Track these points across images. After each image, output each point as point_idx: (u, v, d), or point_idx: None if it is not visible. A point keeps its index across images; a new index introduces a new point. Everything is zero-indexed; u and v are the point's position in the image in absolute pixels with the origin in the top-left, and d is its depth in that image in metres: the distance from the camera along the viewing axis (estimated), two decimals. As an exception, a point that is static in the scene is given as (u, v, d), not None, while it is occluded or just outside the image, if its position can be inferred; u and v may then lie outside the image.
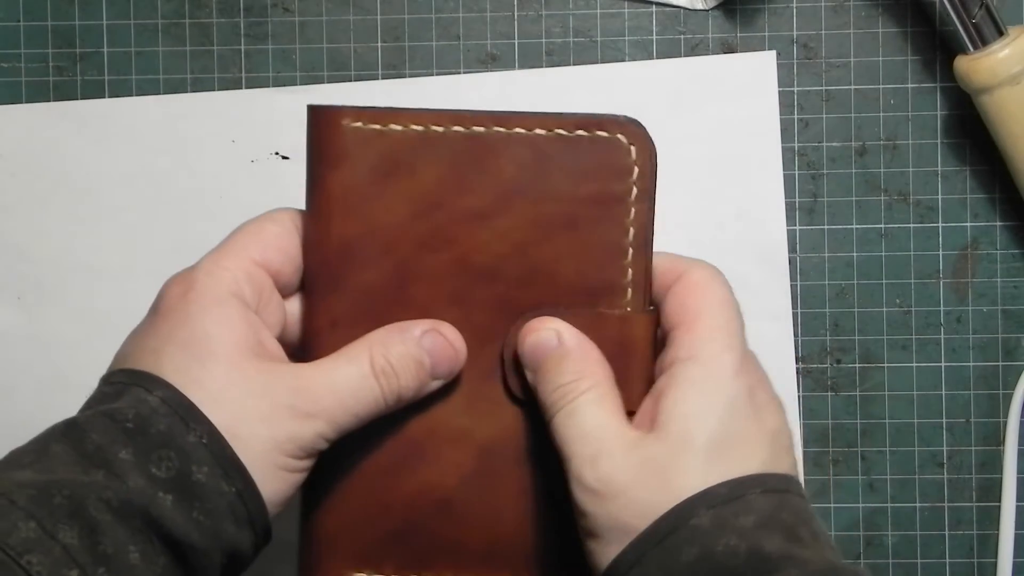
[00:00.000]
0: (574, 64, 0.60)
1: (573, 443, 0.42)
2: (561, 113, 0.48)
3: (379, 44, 0.60)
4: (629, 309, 0.47)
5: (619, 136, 0.48)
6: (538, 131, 0.47)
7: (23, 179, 0.60)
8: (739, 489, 0.40)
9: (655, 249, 0.47)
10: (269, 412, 0.41)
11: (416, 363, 0.44)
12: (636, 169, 0.48)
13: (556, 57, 0.60)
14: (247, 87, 0.60)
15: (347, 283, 0.48)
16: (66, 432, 0.40)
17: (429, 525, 0.48)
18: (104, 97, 0.60)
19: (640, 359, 0.47)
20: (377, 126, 0.48)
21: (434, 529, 0.48)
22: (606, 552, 0.41)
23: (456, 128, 0.48)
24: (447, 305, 0.47)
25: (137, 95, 0.60)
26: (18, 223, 0.60)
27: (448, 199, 0.47)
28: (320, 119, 0.48)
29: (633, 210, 0.47)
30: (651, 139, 0.47)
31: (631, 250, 0.47)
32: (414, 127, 0.48)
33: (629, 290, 0.47)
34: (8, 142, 0.60)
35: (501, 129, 0.47)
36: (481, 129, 0.47)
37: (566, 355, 0.44)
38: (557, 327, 0.45)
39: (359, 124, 0.48)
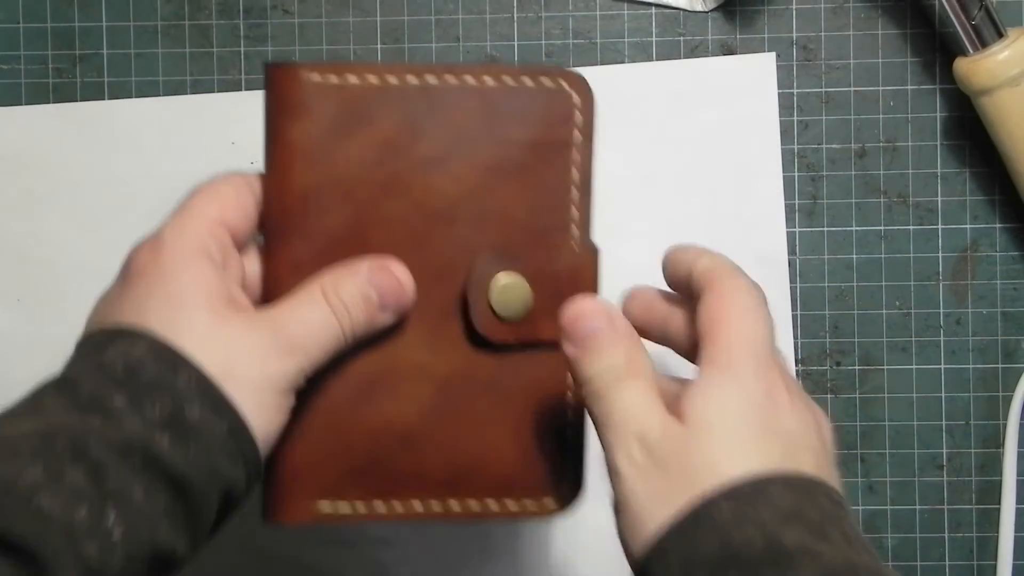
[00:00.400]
0: (574, 66, 0.60)
1: (622, 417, 0.43)
2: (509, 64, 0.51)
3: (379, 46, 0.60)
4: (575, 246, 0.50)
5: (562, 84, 0.50)
6: (487, 80, 0.50)
7: (23, 181, 0.60)
8: (762, 484, 0.40)
9: (701, 244, 0.49)
10: (259, 351, 0.43)
11: (364, 298, 0.46)
12: (579, 115, 0.50)
13: (556, 59, 0.60)
14: (247, 89, 0.60)
15: (309, 229, 0.49)
16: (58, 386, 0.41)
17: (392, 457, 0.49)
18: (104, 99, 0.60)
19: (588, 288, 0.50)
20: (335, 79, 0.49)
21: (397, 460, 0.50)
22: (637, 529, 0.42)
23: (410, 79, 0.49)
24: (406, 247, 0.49)
25: (137, 97, 0.60)
26: (18, 224, 0.60)
27: (404, 147, 0.49)
28: (279, 74, 0.50)
29: (576, 154, 0.50)
30: (591, 87, 0.50)
31: (576, 191, 0.50)
32: (370, 79, 0.49)
33: (575, 228, 0.50)
34: (8, 144, 0.60)
35: (452, 79, 0.49)
36: (434, 80, 0.49)
37: (618, 340, 0.45)
38: (609, 310, 0.46)
39: (318, 77, 0.49)
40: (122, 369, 0.41)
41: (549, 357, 0.50)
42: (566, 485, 0.50)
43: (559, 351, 0.47)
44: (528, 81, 0.50)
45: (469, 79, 0.50)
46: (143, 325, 0.42)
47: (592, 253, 0.50)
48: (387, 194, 0.49)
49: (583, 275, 0.50)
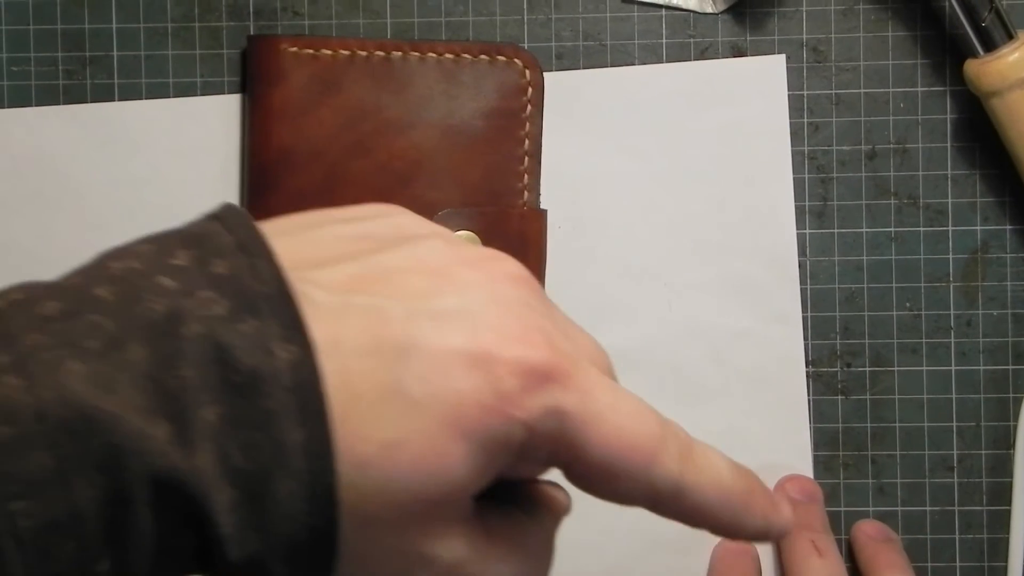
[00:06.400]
0: (584, 67, 0.60)
1: None
2: (467, 40, 0.57)
3: (389, 47, 0.60)
4: (525, 208, 0.56)
5: (516, 60, 0.56)
6: (447, 55, 0.56)
7: (32, 181, 0.60)
8: None
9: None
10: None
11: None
12: (530, 89, 0.56)
13: (566, 60, 0.60)
14: (257, 90, 0.60)
15: (284, 184, 0.55)
16: (154, 338, 0.28)
17: None
18: (114, 100, 0.60)
19: (535, 247, 0.56)
20: (310, 50, 0.56)
21: None
22: None
23: (378, 53, 0.56)
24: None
25: (147, 98, 0.60)
26: (27, 225, 0.60)
27: (371, 113, 0.55)
28: (261, 45, 0.56)
29: (527, 124, 0.56)
30: (540, 65, 0.57)
31: (526, 158, 0.56)
32: (342, 51, 0.56)
33: (525, 192, 0.56)
34: (17, 145, 0.60)
35: (416, 54, 0.56)
36: (399, 54, 0.56)
37: None
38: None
39: (295, 49, 0.56)
40: (246, 373, 0.28)
41: None
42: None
43: None
44: (485, 57, 0.56)
45: (431, 54, 0.56)
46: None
47: (540, 216, 0.56)
48: (354, 156, 0.55)
49: (531, 235, 0.56)
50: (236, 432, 0.28)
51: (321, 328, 0.29)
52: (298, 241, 0.32)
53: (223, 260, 0.30)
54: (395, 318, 0.29)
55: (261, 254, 0.30)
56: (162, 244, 0.31)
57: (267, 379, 0.28)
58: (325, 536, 0.29)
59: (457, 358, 0.29)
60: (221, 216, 0.31)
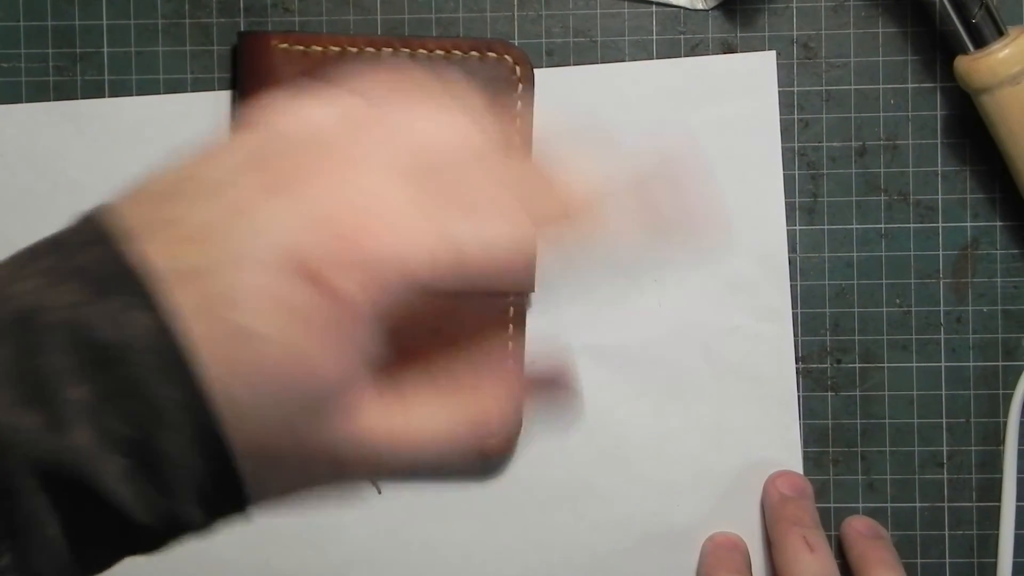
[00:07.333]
0: (574, 64, 0.60)
1: None
2: (457, 37, 0.57)
3: (379, 44, 0.60)
4: None
5: (506, 56, 0.56)
6: (437, 52, 0.56)
7: (23, 179, 0.60)
8: None
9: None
10: None
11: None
12: (520, 85, 0.56)
13: (556, 57, 0.60)
14: (247, 87, 0.60)
15: None
16: (15, 334, 0.30)
17: None
18: (104, 97, 0.60)
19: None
20: (301, 47, 0.56)
21: None
22: None
23: (368, 49, 0.56)
24: None
25: (137, 95, 0.60)
26: (17, 223, 0.60)
27: None
28: (251, 42, 0.56)
29: (518, 119, 0.56)
30: (530, 60, 0.57)
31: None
32: (332, 48, 0.56)
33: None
34: (8, 142, 0.60)
35: (406, 50, 0.56)
36: (389, 50, 0.56)
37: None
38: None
39: (285, 45, 0.56)
40: (110, 346, 0.30)
41: (490, 306, 0.55)
42: (508, 426, 0.55)
43: (499, 300, 0.54)
44: (475, 54, 0.56)
45: (422, 51, 0.56)
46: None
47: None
48: None
49: None
50: (111, 404, 0.30)
51: (167, 294, 0.31)
52: (154, 217, 0.34)
53: (84, 253, 0.31)
54: (218, 269, 0.31)
55: (117, 239, 0.31)
56: (32, 251, 0.33)
57: (128, 348, 0.30)
58: (227, 473, 0.31)
59: (281, 282, 0.31)
60: (89, 215, 0.33)
